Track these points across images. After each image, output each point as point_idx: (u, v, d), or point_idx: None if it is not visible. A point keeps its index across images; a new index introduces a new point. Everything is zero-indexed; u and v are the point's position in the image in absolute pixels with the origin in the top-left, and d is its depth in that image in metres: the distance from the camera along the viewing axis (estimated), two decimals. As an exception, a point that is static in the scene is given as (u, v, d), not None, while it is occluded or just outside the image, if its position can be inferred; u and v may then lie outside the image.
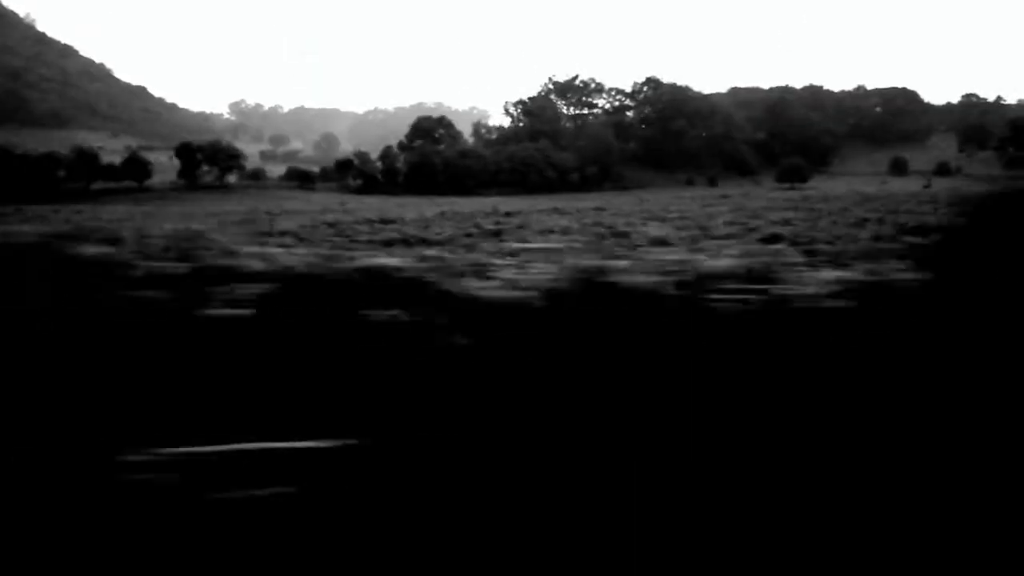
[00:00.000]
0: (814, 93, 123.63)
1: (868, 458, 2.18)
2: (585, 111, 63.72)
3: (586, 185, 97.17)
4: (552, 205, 42.77)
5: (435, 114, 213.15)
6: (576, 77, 65.82)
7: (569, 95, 63.82)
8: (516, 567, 2.19)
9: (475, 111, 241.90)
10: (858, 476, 2.18)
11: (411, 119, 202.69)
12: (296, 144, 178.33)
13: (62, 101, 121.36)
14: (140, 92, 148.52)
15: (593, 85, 64.85)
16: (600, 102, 63.99)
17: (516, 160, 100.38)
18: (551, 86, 64.59)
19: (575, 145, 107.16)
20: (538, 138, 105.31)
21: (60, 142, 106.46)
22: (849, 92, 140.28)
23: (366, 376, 2.07)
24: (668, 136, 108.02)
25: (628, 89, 64.25)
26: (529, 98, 65.52)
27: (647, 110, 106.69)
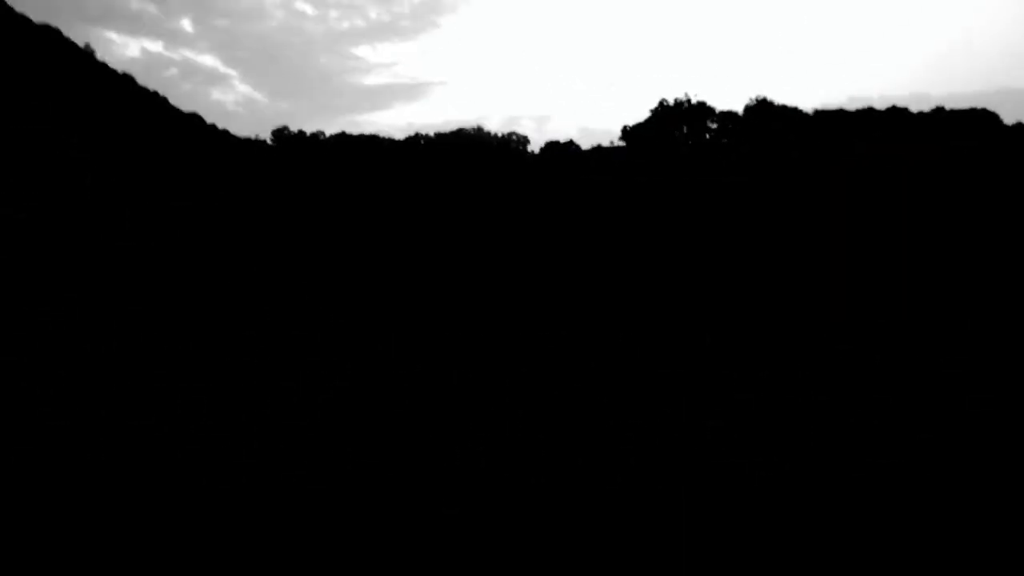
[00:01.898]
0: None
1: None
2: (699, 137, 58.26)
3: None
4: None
5: (476, 140, 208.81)
6: (688, 100, 61.50)
7: (682, 120, 59.31)
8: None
9: (514, 136, 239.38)
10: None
11: (449, 144, 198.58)
12: None
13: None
14: (196, 120, 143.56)
15: (700, 107, 60.22)
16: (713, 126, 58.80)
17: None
18: (659, 110, 60.05)
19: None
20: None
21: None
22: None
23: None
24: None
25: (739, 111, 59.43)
26: (635, 126, 61.02)
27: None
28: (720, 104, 64.91)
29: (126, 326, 14.58)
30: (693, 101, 61.31)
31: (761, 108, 58.60)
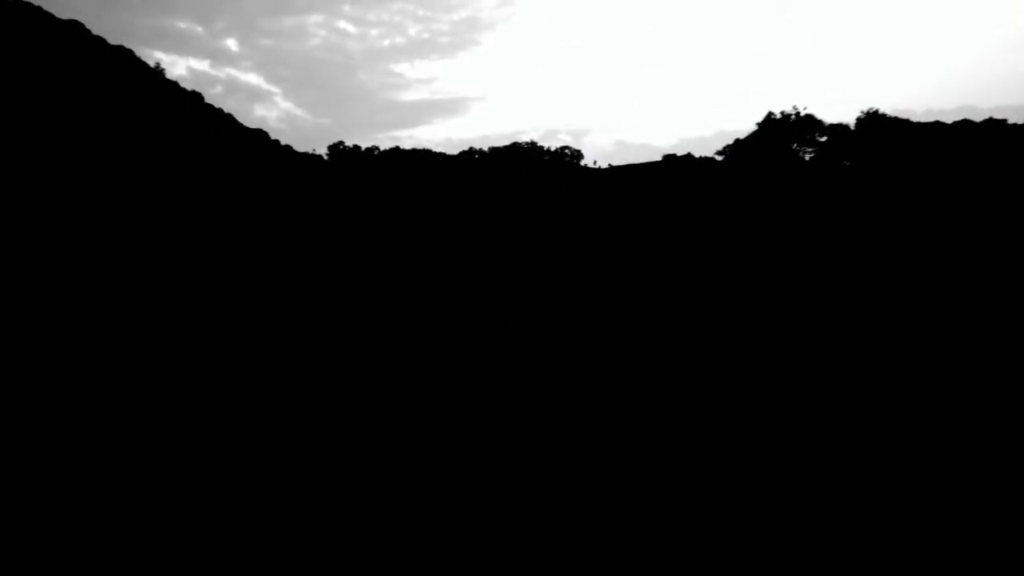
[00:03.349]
0: None
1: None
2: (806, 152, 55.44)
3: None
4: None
5: (529, 156, 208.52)
6: (796, 113, 59.28)
7: (790, 133, 56.96)
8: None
9: (567, 151, 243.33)
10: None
11: (505, 160, 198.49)
12: None
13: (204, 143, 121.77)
14: (262, 135, 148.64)
15: (808, 120, 57.73)
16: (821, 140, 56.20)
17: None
18: (762, 123, 57.85)
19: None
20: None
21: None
22: None
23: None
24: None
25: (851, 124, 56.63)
26: (738, 140, 59.00)
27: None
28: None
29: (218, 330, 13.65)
30: (801, 114, 58.97)
31: (873, 120, 55.92)
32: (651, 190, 50.61)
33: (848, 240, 30.92)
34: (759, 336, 15.30)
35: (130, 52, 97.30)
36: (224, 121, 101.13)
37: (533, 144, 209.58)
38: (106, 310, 14.77)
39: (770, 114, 61.10)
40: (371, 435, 7.33)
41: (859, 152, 47.06)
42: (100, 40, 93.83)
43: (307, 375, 10.71)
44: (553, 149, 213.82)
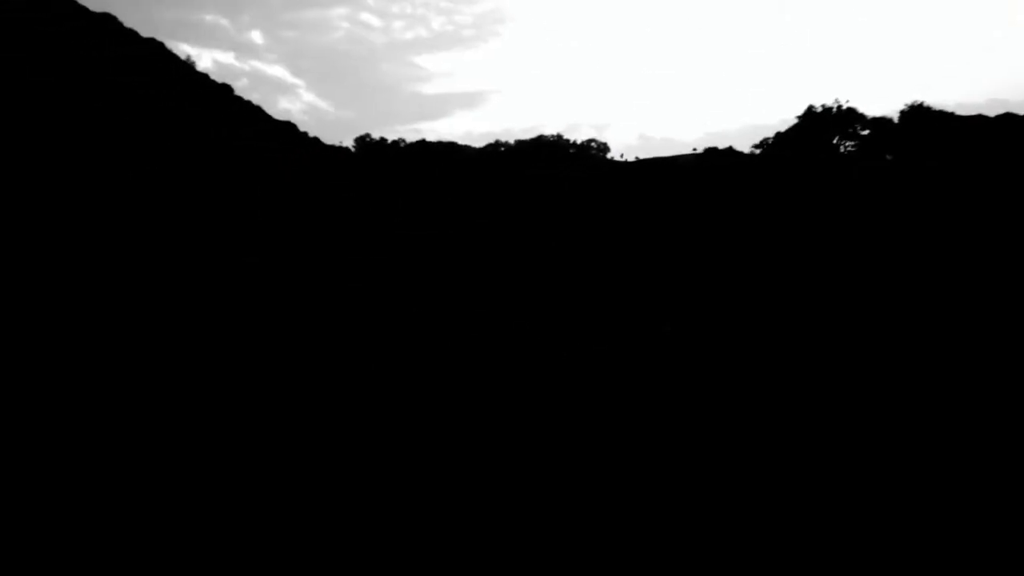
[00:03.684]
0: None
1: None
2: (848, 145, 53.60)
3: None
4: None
5: (555, 149, 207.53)
6: (838, 106, 58.02)
7: (832, 126, 55.71)
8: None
9: (593, 144, 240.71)
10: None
11: (529, 153, 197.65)
12: None
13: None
14: (291, 127, 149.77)
15: (849, 113, 56.26)
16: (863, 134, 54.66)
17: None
18: (803, 116, 56.55)
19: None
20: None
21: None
22: None
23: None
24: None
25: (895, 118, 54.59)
26: (779, 133, 57.71)
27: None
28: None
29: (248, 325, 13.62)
30: (843, 107, 57.46)
31: (916, 113, 54.42)
32: (679, 185, 49.78)
33: (886, 237, 30.00)
34: (774, 337, 14.66)
35: (161, 45, 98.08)
36: (254, 113, 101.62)
37: (559, 137, 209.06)
38: (133, 303, 14.64)
39: (811, 107, 59.77)
40: (374, 435, 7.40)
41: (902, 146, 45.78)
42: (132, 32, 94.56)
43: (311, 374, 10.42)
44: (579, 142, 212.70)
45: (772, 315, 17.48)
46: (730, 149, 58.04)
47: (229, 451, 6.65)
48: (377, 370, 10.67)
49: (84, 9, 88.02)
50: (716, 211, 38.65)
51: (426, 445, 7.12)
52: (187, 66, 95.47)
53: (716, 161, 52.03)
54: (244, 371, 10.82)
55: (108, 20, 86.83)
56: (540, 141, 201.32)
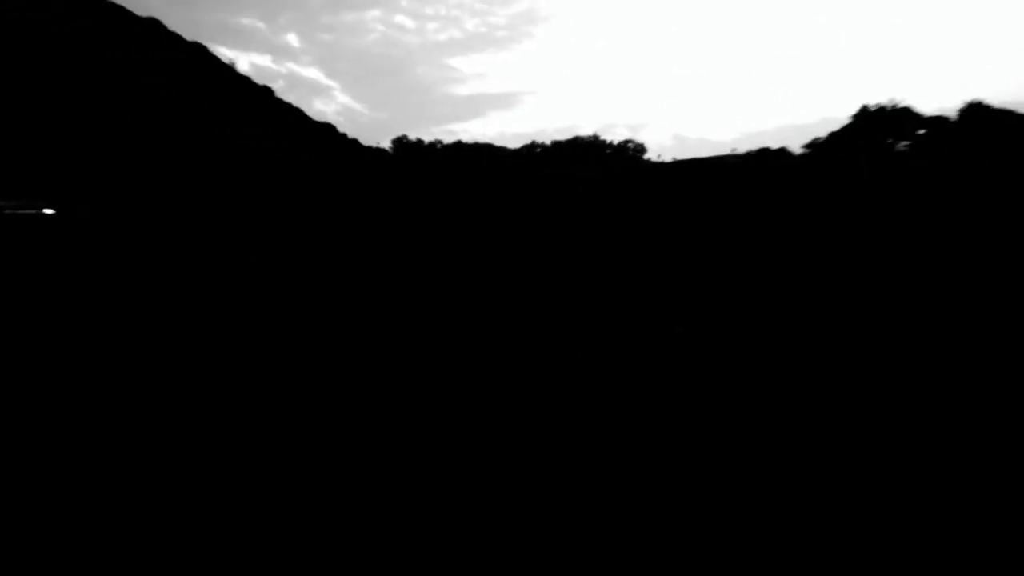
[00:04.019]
0: None
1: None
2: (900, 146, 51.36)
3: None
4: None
5: (590, 150, 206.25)
6: (894, 104, 56.30)
7: (886, 126, 53.70)
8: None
9: (630, 144, 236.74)
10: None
11: (566, 155, 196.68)
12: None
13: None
14: (330, 129, 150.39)
15: (905, 112, 54.16)
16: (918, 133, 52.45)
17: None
18: (856, 115, 54.72)
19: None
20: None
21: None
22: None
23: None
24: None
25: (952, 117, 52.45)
26: (832, 133, 55.93)
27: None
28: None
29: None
30: (897, 105, 55.55)
31: (976, 111, 52.22)
32: (718, 187, 48.67)
33: (939, 240, 28.75)
34: (798, 341, 14.26)
35: (204, 48, 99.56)
36: (294, 114, 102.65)
37: (595, 138, 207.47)
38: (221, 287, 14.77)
39: (865, 107, 57.91)
40: (383, 437, 7.34)
41: (961, 145, 44.02)
42: (177, 36, 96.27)
43: (319, 374, 10.34)
44: (615, 143, 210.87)
45: (798, 318, 16.84)
46: (783, 150, 56.50)
47: (229, 451, 6.66)
48: (387, 369, 10.48)
49: (131, 14, 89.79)
50: (753, 214, 37.64)
51: (438, 446, 7.15)
52: (229, 68, 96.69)
53: (769, 162, 50.73)
54: (252, 368, 10.73)
55: (153, 24, 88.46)
56: (576, 142, 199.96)
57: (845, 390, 10.46)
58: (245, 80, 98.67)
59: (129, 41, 70.31)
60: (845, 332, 14.28)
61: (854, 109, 58.56)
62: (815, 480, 6.77)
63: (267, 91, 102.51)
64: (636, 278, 22.50)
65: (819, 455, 7.39)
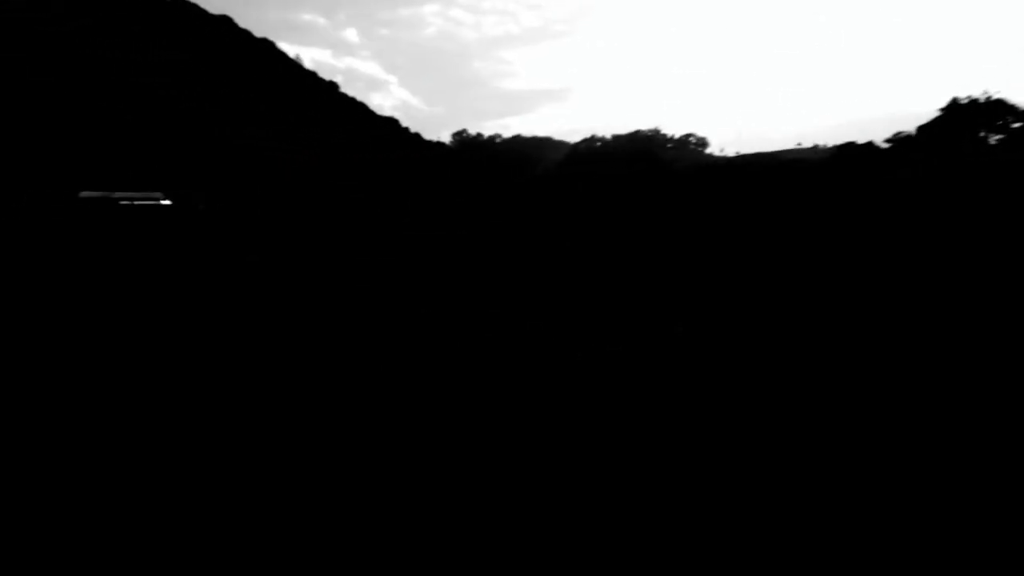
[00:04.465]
0: None
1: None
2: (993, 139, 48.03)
3: None
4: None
5: (651, 143, 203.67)
6: (988, 97, 53.06)
7: (979, 119, 50.64)
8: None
9: (692, 138, 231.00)
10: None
11: (627, 147, 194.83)
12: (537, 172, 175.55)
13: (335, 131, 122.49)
14: (392, 123, 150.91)
15: (998, 104, 50.76)
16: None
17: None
18: (946, 108, 51.71)
19: None
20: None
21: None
22: None
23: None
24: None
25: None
26: (921, 126, 52.93)
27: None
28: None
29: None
30: (991, 97, 52.32)
31: None
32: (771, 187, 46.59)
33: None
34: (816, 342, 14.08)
35: (272, 44, 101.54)
36: (357, 109, 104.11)
37: (656, 132, 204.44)
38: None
39: (955, 99, 54.74)
40: (383, 438, 7.45)
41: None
42: (247, 33, 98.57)
43: (319, 375, 10.48)
44: (676, 136, 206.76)
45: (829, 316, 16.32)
46: (870, 144, 53.83)
47: (230, 449, 6.76)
48: (387, 369, 10.56)
49: (204, 12, 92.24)
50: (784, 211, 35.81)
51: (437, 447, 7.29)
52: (296, 64, 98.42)
53: (854, 155, 48.45)
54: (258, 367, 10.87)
55: (225, 21, 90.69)
56: (636, 136, 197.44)
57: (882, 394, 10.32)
58: (311, 75, 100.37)
59: (202, 38, 72.07)
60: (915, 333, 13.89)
61: (923, 102, 55.45)
62: (815, 480, 6.76)
63: (332, 86, 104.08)
64: (635, 278, 22.13)
65: (819, 455, 7.38)
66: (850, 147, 51.52)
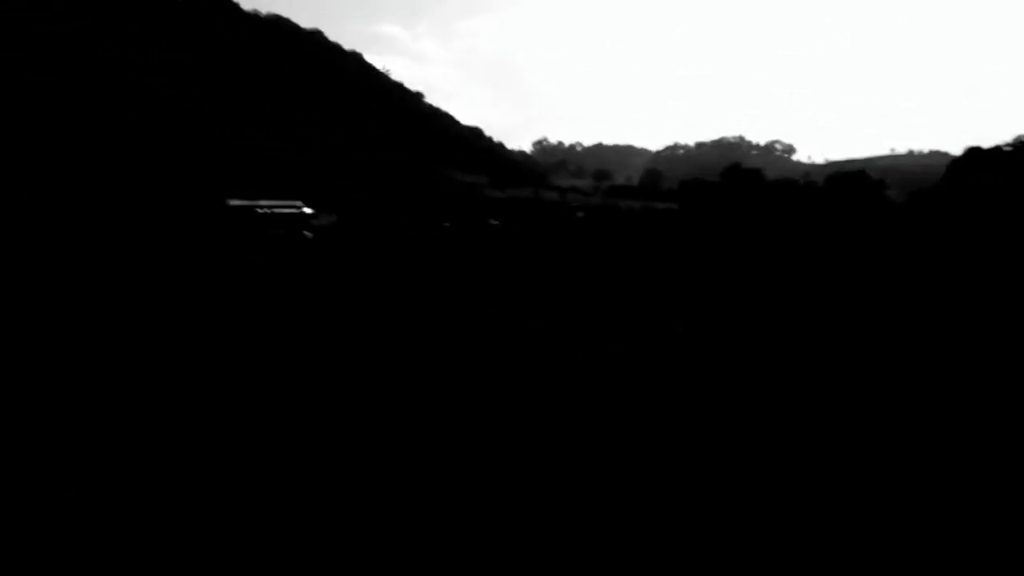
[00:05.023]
0: None
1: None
2: None
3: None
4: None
5: (737, 149, 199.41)
6: None
7: None
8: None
9: (778, 144, 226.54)
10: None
11: (712, 155, 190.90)
12: (619, 180, 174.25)
13: (424, 142, 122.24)
14: (477, 133, 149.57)
15: None
16: None
17: None
18: None
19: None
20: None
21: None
22: None
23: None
24: None
25: None
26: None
27: None
28: None
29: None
30: None
31: None
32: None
33: None
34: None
35: (360, 56, 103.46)
36: (444, 119, 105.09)
37: (740, 138, 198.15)
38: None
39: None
40: (381, 438, 6.88)
41: None
42: (337, 46, 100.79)
43: (318, 375, 10.35)
44: (762, 143, 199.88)
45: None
46: (997, 150, 49.15)
47: (230, 448, 6.32)
48: (387, 368, 10.41)
49: (297, 27, 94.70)
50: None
51: (436, 447, 6.77)
52: (384, 75, 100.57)
53: (980, 157, 44.20)
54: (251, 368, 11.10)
55: (317, 35, 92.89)
56: (721, 143, 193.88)
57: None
58: (399, 85, 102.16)
59: (295, 50, 73.76)
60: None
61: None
62: (815, 480, 6.21)
63: (418, 96, 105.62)
64: (635, 279, 22.06)
65: (819, 455, 6.84)
66: (976, 152, 47.28)
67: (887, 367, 11.63)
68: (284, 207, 25.69)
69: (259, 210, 24.68)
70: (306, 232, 23.95)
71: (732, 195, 48.98)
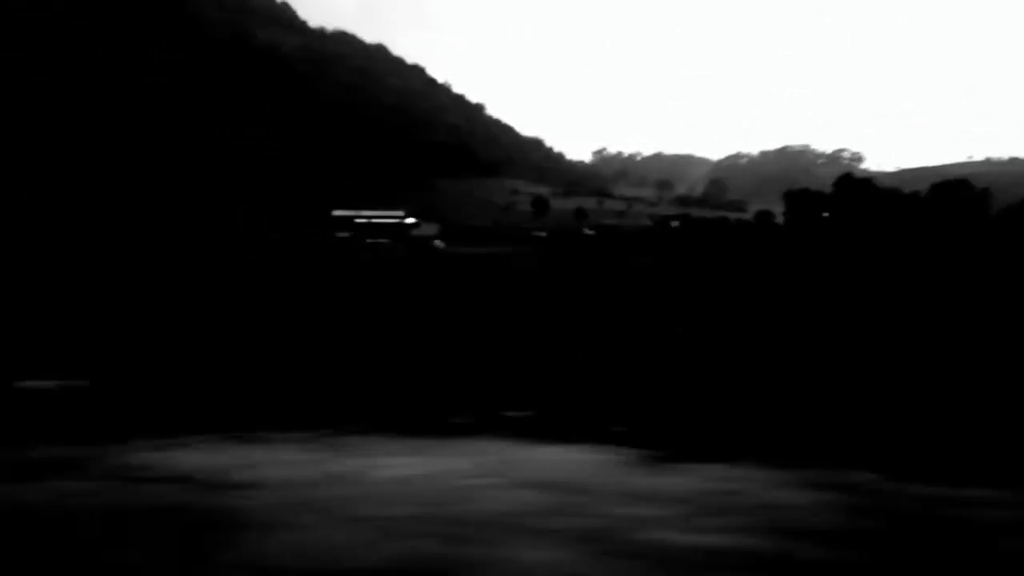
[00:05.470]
0: None
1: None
2: None
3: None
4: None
5: (803, 158, 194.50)
6: None
7: None
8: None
9: (845, 153, 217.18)
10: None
11: (775, 164, 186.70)
12: (680, 190, 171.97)
13: (487, 152, 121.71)
14: (538, 143, 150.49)
15: None
16: None
17: None
18: None
19: None
20: None
21: (500, 188, 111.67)
22: None
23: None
24: None
25: None
26: None
27: None
28: None
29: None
30: None
31: None
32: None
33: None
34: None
35: (423, 70, 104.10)
36: (505, 130, 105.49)
37: (806, 147, 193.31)
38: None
39: None
40: (382, 437, 6.89)
41: None
42: (400, 59, 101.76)
43: (319, 373, 10.27)
44: (828, 152, 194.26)
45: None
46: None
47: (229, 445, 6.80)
48: (387, 368, 9.94)
49: (361, 41, 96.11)
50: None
51: (437, 442, 6.70)
52: (446, 88, 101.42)
53: None
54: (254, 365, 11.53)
55: (381, 49, 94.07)
56: (785, 152, 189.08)
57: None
58: (460, 98, 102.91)
59: (365, 62, 74.85)
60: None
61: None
62: (813, 477, 5.92)
63: (480, 108, 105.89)
64: (635, 280, 22.71)
65: (819, 453, 6.52)
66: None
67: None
68: (386, 217, 26.23)
69: (358, 220, 25.41)
70: (437, 242, 24.37)
71: (843, 206, 46.26)
